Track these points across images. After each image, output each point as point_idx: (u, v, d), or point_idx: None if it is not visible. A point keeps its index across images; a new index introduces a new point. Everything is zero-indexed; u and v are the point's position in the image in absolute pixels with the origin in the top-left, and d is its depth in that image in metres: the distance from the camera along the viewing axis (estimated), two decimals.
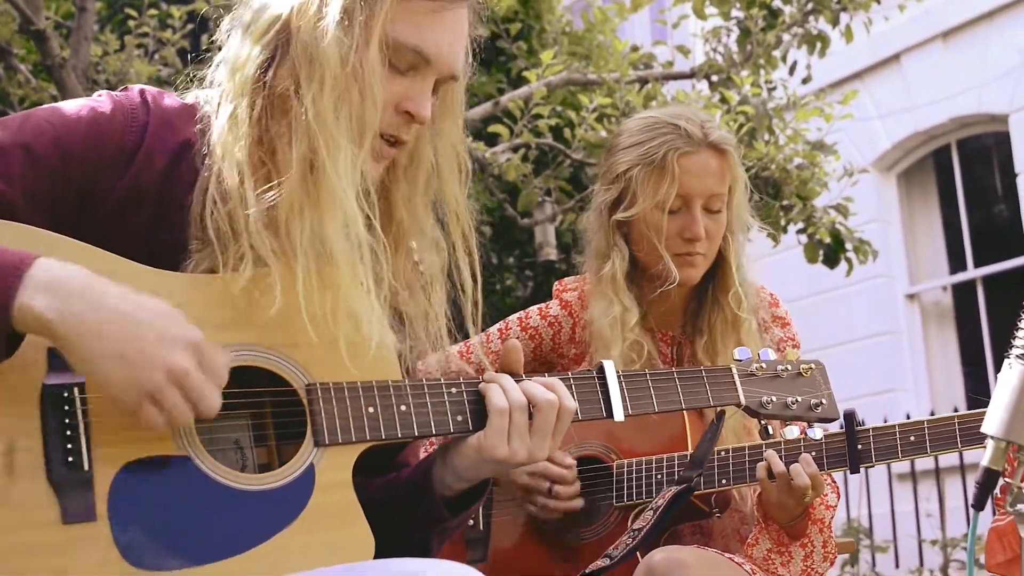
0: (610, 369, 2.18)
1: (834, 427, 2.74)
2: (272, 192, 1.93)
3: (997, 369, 10.46)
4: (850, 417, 2.68)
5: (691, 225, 2.92)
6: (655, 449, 2.87)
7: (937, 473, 9.19)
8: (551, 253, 7.99)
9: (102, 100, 2.00)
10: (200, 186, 1.98)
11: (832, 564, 2.83)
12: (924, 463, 9.41)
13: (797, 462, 2.66)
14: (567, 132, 6.46)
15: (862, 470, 2.74)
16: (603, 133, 6.27)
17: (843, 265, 6.80)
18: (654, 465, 2.85)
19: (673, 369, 2.29)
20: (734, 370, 2.38)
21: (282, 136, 1.94)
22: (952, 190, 12.02)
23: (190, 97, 2.09)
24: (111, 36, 6.57)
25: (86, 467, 1.74)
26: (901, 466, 9.84)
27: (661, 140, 2.94)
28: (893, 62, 11.90)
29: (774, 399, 2.38)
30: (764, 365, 2.41)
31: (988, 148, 11.92)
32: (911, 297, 12.06)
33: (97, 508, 1.74)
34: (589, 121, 6.25)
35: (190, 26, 6.56)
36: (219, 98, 2.00)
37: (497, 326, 3.17)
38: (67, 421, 1.75)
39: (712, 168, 2.94)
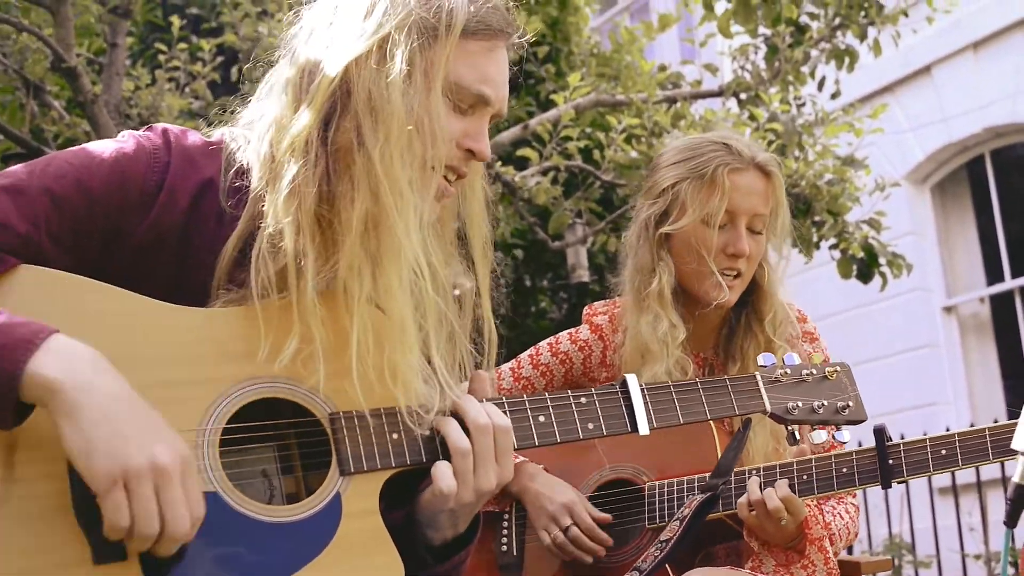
0: (633, 383, 2.15)
1: (863, 441, 2.72)
2: (331, 261, 1.92)
3: None
4: (880, 432, 2.65)
5: (736, 241, 2.93)
6: (686, 469, 2.84)
7: (979, 486, 9.07)
8: (584, 275, 7.97)
9: (125, 141, 2.00)
10: (239, 235, 1.97)
11: None
12: (965, 476, 9.30)
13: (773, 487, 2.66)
14: (596, 154, 6.44)
15: (895, 485, 2.71)
16: (633, 154, 6.25)
17: (877, 280, 6.74)
18: (686, 485, 2.82)
19: (697, 380, 2.26)
20: (758, 377, 2.35)
21: (345, 194, 1.92)
22: (987, 201, 11.88)
23: (216, 134, 2.09)
24: (143, 71, 6.61)
25: None
26: (942, 480, 9.74)
27: (712, 155, 2.96)
28: (924, 74, 11.79)
29: (800, 404, 2.35)
30: (789, 370, 2.39)
31: (1022, 157, 11.80)
32: (948, 310, 11.93)
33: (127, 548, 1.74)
34: (618, 142, 6.23)
35: (220, 59, 6.60)
36: (277, 160, 1.95)
37: (528, 352, 3.16)
38: None
39: (758, 188, 2.96)
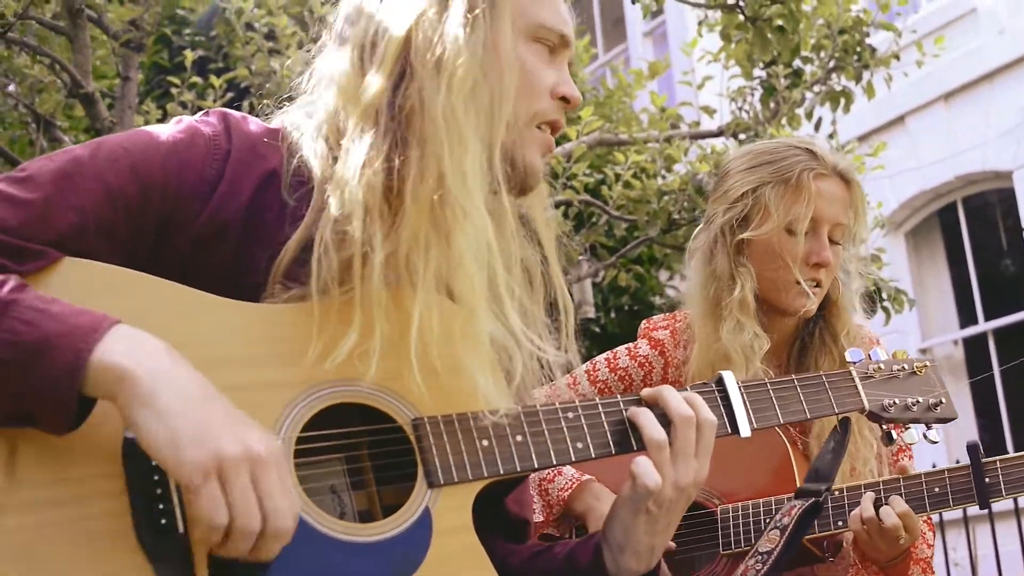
0: (730, 380, 1.88)
1: (941, 452, 2.44)
2: (394, 233, 1.65)
3: (1011, 418, 10.12)
4: (974, 449, 2.40)
5: (820, 250, 2.63)
6: (760, 491, 2.55)
7: (966, 522, 8.84)
8: (589, 311, 7.71)
9: (181, 126, 1.73)
10: (304, 229, 1.70)
11: None
12: (953, 512, 9.04)
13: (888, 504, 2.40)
14: (604, 190, 6.23)
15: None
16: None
17: (878, 316, 6.52)
18: (762, 508, 2.53)
19: (793, 376, 1.99)
20: (854, 373, 2.08)
21: (413, 162, 1.66)
22: (959, 246, 11.79)
23: (275, 122, 1.82)
24: (152, 106, 6.39)
25: (181, 528, 1.45)
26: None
27: (795, 160, 2.67)
28: (899, 124, 11.70)
29: (896, 401, 2.10)
30: (881, 366, 2.12)
31: (992, 205, 11.70)
32: (924, 351, 11.75)
33: (197, 574, 1.45)
34: (626, 177, 6.01)
35: (230, 94, 6.36)
36: (347, 130, 1.71)
37: (584, 367, 2.84)
38: (155, 478, 1.45)
39: (841, 196, 2.68)
